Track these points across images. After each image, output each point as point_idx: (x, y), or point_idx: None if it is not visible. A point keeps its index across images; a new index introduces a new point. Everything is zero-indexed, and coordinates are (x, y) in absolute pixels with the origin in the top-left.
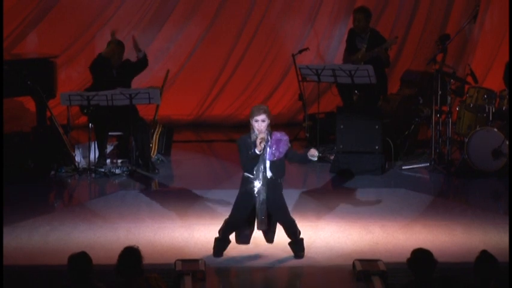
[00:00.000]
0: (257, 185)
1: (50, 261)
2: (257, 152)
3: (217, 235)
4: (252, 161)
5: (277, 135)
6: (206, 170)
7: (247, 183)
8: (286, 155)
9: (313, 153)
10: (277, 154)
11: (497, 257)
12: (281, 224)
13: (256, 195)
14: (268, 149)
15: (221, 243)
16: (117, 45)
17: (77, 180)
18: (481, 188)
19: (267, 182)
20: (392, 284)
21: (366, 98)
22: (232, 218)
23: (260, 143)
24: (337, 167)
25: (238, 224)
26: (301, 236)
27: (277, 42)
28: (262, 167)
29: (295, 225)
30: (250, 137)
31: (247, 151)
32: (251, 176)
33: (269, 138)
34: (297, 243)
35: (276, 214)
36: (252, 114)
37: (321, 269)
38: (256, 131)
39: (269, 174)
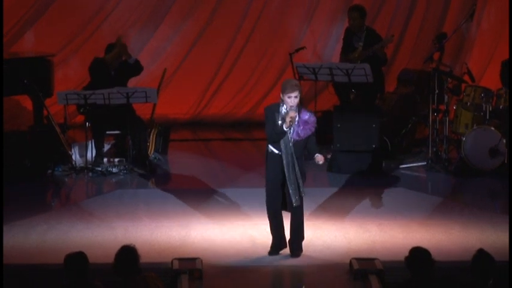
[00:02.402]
0: (286, 161)
1: (47, 260)
2: (284, 128)
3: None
4: (278, 136)
5: (306, 116)
6: (203, 169)
7: (272, 157)
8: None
9: (319, 160)
10: (302, 134)
11: (495, 255)
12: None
13: (287, 172)
14: (295, 127)
15: (276, 241)
16: (123, 49)
17: (74, 179)
18: (478, 186)
19: (292, 158)
20: (390, 283)
21: (363, 96)
22: (268, 197)
23: (290, 121)
24: (334, 165)
25: (276, 202)
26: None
27: (274, 41)
28: (289, 143)
29: (302, 219)
30: (278, 109)
31: (274, 122)
32: (275, 151)
33: (297, 116)
34: (297, 240)
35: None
36: (284, 90)
37: (318, 267)
38: (288, 107)
39: (293, 151)
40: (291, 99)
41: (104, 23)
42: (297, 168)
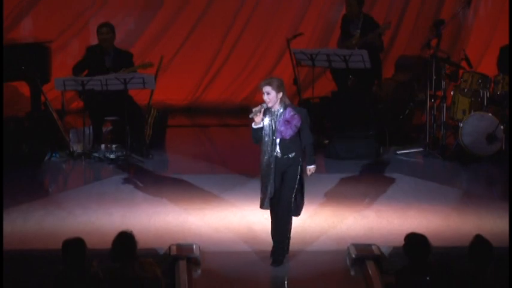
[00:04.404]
0: (265, 161)
1: (45, 246)
2: (252, 125)
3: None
4: (253, 134)
5: (289, 114)
6: (200, 155)
7: (262, 156)
8: (298, 134)
9: (309, 172)
10: (285, 134)
11: (492, 241)
12: (279, 210)
13: (263, 171)
14: (278, 127)
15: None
16: (106, 28)
17: (72, 165)
18: (475, 172)
19: (275, 159)
20: (387, 269)
21: (360, 83)
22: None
23: (255, 115)
24: (332, 152)
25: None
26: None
27: (272, 27)
28: (270, 142)
29: (290, 223)
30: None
31: None
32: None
33: (279, 114)
34: (279, 246)
35: (281, 190)
36: (259, 86)
37: (316, 253)
38: (266, 104)
39: (278, 151)
40: (264, 96)
41: (102, 9)
42: (272, 169)
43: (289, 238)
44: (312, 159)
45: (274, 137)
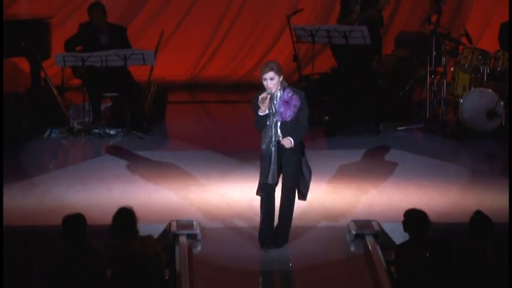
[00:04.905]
0: (265, 144)
1: (44, 222)
2: (259, 113)
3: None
4: (259, 122)
5: (287, 96)
6: (201, 131)
7: (263, 142)
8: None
9: (283, 142)
10: (284, 116)
11: (492, 217)
12: (282, 198)
13: (264, 154)
14: (278, 109)
15: (264, 226)
16: (96, 9)
17: (72, 141)
18: (475, 148)
19: (277, 143)
20: (387, 245)
21: (360, 59)
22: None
23: (262, 103)
24: (332, 128)
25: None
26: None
27: (272, 3)
28: (272, 126)
29: (292, 210)
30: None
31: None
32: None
33: (277, 96)
34: (283, 229)
35: (284, 178)
36: (260, 73)
37: (316, 229)
38: (268, 90)
39: (279, 134)
40: (267, 82)
41: None
42: (274, 152)
43: (290, 226)
44: (296, 138)
45: (275, 119)
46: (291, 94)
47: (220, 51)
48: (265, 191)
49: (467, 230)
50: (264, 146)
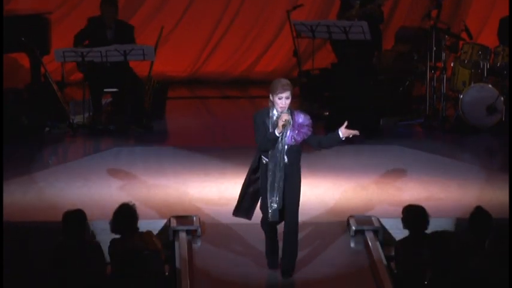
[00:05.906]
0: (271, 168)
1: (44, 218)
2: (277, 133)
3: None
4: (270, 142)
5: (300, 119)
6: (200, 126)
7: (262, 166)
8: (307, 141)
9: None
10: (298, 138)
11: (492, 213)
12: (288, 223)
13: (270, 179)
14: (289, 131)
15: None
16: (109, 3)
17: (72, 137)
18: (475, 144)
19: (284, 167)
20: (387, 240)
21: (360, 54)
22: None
23: (283, 125)
24: (332, 123)
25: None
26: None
27: None
28: (279, 149)
29: (297, 233)
30: (268, 114)
31: (265, 129)
32: (266, 159)
33: (291, 119)
34: (289, 256)
35: (287, 202)
36: (274, 90)
37: (315, 225)
38: (279, 109)
39: (285, 158)
40: (282, 101)
41: None
42: (280, 177)
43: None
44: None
45: (283, 143)
46: (303, 117)
47: (220, 46)
48: (268, 226)
49: (467, 225)
50: (269, 169)
